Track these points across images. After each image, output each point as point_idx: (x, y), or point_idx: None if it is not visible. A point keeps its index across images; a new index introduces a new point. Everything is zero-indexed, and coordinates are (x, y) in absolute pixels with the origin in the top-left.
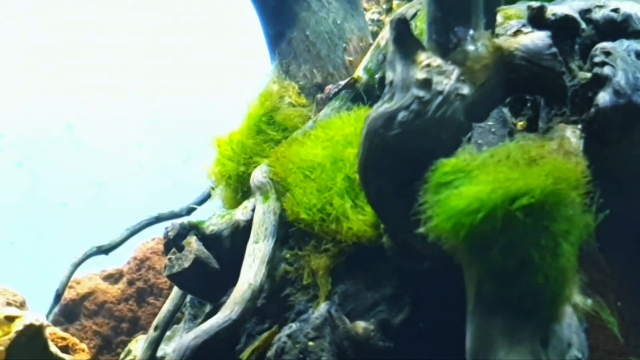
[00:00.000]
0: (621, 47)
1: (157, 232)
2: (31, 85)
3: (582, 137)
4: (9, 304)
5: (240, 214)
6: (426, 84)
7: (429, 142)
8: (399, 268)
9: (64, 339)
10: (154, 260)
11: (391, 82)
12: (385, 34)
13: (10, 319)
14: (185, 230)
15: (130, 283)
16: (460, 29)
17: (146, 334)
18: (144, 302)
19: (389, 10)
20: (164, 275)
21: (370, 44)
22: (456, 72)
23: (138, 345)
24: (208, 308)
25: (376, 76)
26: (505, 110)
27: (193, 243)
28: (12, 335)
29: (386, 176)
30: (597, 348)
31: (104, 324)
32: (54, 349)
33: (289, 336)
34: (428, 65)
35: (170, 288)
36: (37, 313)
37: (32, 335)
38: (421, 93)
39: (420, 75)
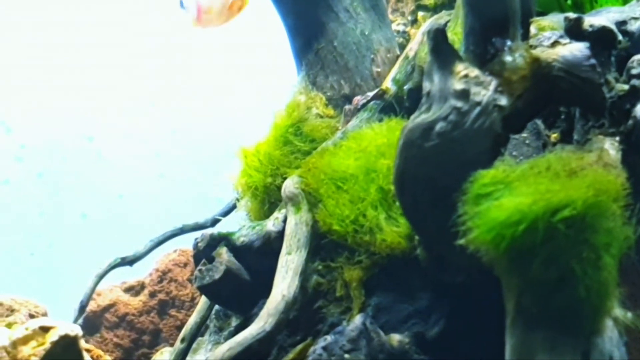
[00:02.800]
0: None
1: (180, 244)
2: (51, 95)
3: (620, 149)
4: (31, 315)
5: (271, 225)
6: (464, 94)
7: (466, 153)
8: (434, 281)
9: (88, 350)
10: (176, 272)
11: (428, 93)
12: (414, 45)
13: (45, 330)
14: (215, 241)
15: (152, 295)
16: (498, 40)
17: (170, 346)
18: (165, 315)
19: (414, 21)
20: (187, 287)
21: (398, 55)
22: (494, 83)
23: (163, 357)
24: (234, 320)
25: (405, 87)
26: (539, 122)
27: (224, 254)
28: (47, 345)
29: (423, 187)
30: None
31: (125, 336)
32: (88, 359)
33: (324, 348)
34: (466, 76)
35: (193, 300)
36: (72, 324)
37: (67, 345)
38: (459, 104)
39: (458, 85)
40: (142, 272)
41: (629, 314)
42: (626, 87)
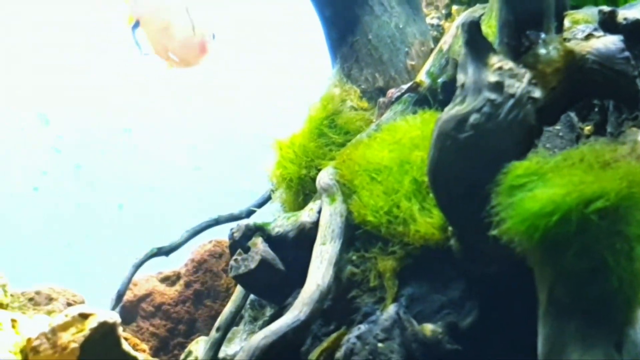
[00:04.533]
0: None
1: (215, 235)
2: (90, 87)
3: None
4: (69, 304)
5: (306, 215)
6: (498, 86)
7: (500, 144)
8: (467, 271)
9: (125, 339)
10: (211, 262)
11: (462, 85)
12: (448, 39)
13: (84, 317)
14: (251, 232)
15: (188, 285)
16: (532, 33)
17: (205, 336)
18: (201, 305)
19: (448, 15)
20: (222, 278)
21: (432, 49)
22: (528, 75)
23: (199, 346)
24: (269, 310)
25: (439, 80)
26: (572, 115)
27: (259, 244)
28: (86, 332)
29: (457, 179)
30: None
31: (161, 325)
32: (126, 346)
33: (358, 337)
34: (500, 68)
35: (227, 291)
36: (110, 311)
37: (106, 332)
38: (493, 96)
39: (492, 78)
40: (178, 262)
41: None
42: None
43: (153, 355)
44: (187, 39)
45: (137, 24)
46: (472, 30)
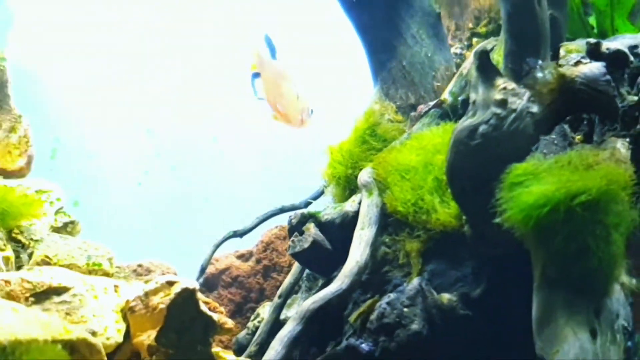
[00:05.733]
0: None
1: (280, 221)
2: (184, 101)
3: (630, 148)
4: (163, 274)
5: (349, 206)
6: (503, 103)
7: (504, 150)
8: (477, 252)
9: (207, 303)
10: (277, 244)
11: (474, 102)
12: (468, 65)
13: (170, 284)
14: (305, 219)
15: (258, 261)
16: (531, 60)
17: (271, 302)
18: (268, 277)
19: (470, 46)
20: (285, 256)
21: (454, 73)
22: (527, 94)
23: (265, 310)
24: (321, 282)
25: (459, 98)
26: (566, 126)
27: (312, 229)
28: (171, 296)
29: (469, 177)
30: None
31: (237, 293)
32: (203, 308)
33: (388, 304)
34: (504, 89)
35: (289, 266)
36: (191, 279)
37: (187, 296)
38: (498, 110)
39: (498, 96)
40: (251, 243)
41: (634, 281)
42: (636, 98)
43: (230, 317)
44: (292, 102)
45: (257, 74)
46: (483, 57)
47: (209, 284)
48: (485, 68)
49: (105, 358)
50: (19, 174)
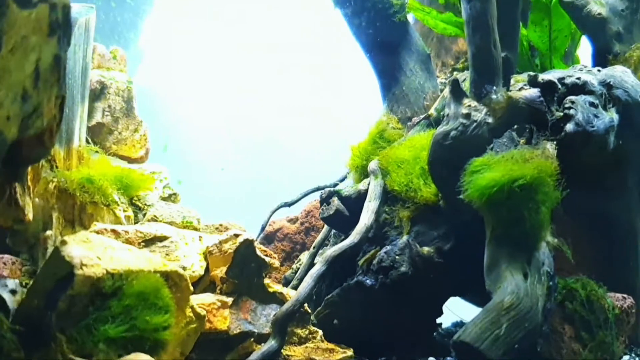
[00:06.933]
0: (581, 99)
1: (317, 196)
2: (258, 109)
3: (556, 148)
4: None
5: (362, 186)
6: (467, 116)
7: (468, 148)
8: (449, 219)
9: (264, 251)
10: (314, 212)
11: (447, 114)
12: (446, 90)
13: (236, 236)
14: (332, 194)
15: (302, 224)
16: (488, 86)
17: (309, 251)
18: (309, 235)
19: (451, 76)
20: (319, 219)
21: (439, 96)
22: (485, 110)
23: (304, 257)
24: (342, 238)
25: (442, 113)
26: (513, 133)
27: (335, 201)
28: (237, 244)
29: (443, 167)
30: (561, 269)
31: (287, 246)
32: (259, 253)
33: (385, 253)
34: (469, 106)
35: (323, 227)
36: (250, 234)
37: (248, 245)
38: (464, 121)
39: (465, 111)
40: (296, 211)
41: (556, 240)
42: (561, 114)
43: (281, 263)
44: None
45: None
46: (454, 84)
47: (268, 239)
48: (456, 91)
49: (190, 284)
50: (140, 161)
